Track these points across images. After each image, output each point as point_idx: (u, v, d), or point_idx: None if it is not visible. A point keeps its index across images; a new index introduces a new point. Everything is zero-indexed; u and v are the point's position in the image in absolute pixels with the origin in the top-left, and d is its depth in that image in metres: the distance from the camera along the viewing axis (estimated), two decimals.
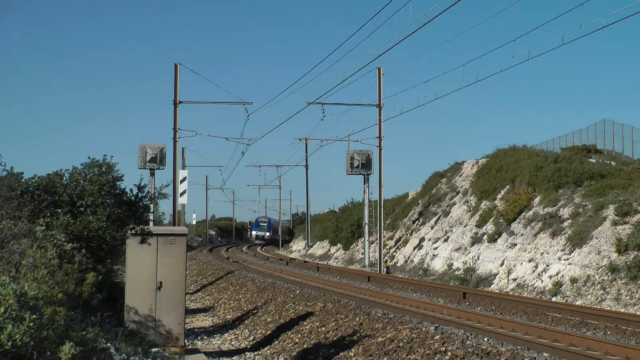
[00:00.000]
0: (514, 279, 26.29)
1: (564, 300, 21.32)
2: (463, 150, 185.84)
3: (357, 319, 14.97)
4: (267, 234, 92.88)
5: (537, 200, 30.56)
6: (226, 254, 52.78)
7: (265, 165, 77.20)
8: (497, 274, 28.06)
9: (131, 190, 12.19)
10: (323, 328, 15.23)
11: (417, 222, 43.48)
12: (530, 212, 29.91)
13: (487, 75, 53.13)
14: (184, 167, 44.70)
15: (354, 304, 16.80)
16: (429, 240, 38.50)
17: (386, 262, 38.49)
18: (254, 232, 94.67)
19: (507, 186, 34.34)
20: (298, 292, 20.52)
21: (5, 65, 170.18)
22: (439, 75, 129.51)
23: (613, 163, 34.84)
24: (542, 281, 24.28)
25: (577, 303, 20.50)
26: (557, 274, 23.86)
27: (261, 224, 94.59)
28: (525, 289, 24.71)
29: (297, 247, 74.31)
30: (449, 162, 57.27)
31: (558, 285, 22.80)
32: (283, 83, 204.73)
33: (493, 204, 34.29)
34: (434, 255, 36.26)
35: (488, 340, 11.80)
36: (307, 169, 68.02)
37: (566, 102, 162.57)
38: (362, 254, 43.10)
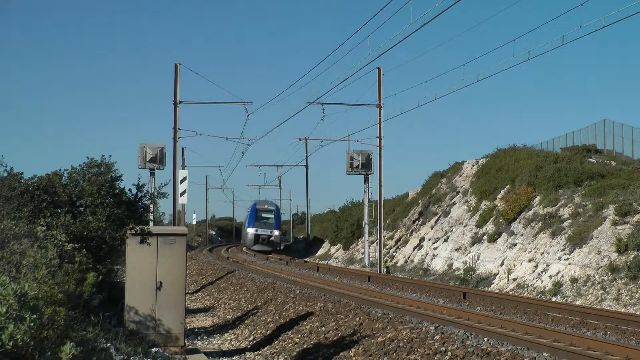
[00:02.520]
0: (514, 279, 26.29)
1: (564, 300, 21.31)
2: (463, 150, 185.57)
3: (357, 319, 14.97)
4: (276, 233, 56.74)
5: (537, 200, 30.56)
6: (226, 254, 52.76)
7: (265, 165, 76.94)
8: (497, 274, 28.06)
9: (130, 190, 12.21)
10: (323, 328, 15.23)
11: (417, 222, 43.48)
12: (530, 212, 29.91)
13: (487, 75, 53.08)
14: (184, 167, 44.72)
15: (354, 304, 16.80)
16: (429, 240, 38.50)
17: (386, 262, 38.49)
18: (250, 230, 56.79)
19: (507, 186, 34.35)
20: (298, 292, 20.52)
21: (5, 65, 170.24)
22: (439, 75, 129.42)
23: (613, 163, 34.85)
24: (542, 281, 24.29)
25: (577, 303, 20.49)
26: (557, 274, 23.87)
27: (264, 215, 57.53)
28: (525, 289, 24.71)
29: (297, 247, 74.27)
30: (449, 162, 57.31)
31: (558, 285, 22.80)
32: (283, 83, 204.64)
33: (493, 204, 34.30)
34: (434, 255, 36.26)
35: (488, 340, 11.80)
36: (307, 169, 68.03)
37: (566, 102, 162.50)
38: (362, 254, 43.09)
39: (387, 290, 23.16)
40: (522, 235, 29.08)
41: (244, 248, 66.74)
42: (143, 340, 11.39)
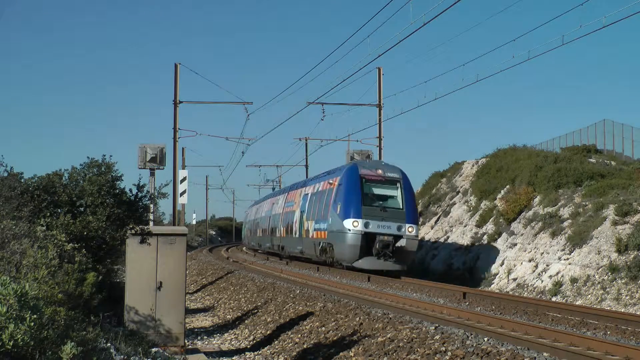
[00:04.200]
0: (514, 279, 26.30)
1: (564, 300, 21.32)
2: (463, 150, 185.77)
3: (357, 318, 14.97)
4: (411, 231, 27.34)
5: (537, 200, 30.57)
6: (226, 254, 52.74)
7: (265, 165, 76.69)
8: (497, 274, 28.07)
9: (130, 190, 12.21)
10: (323, 328, 15.23)
11: None
12: (530, 212, 29.91)
13: (487, 75, 53.22)
14: (184, 167, 44.73)
15: (354, 304, 16.79)
16: (429, 240, 38.52)
17: None
18: (351, 224, 27.15)
19: (507, 186, 34.36)
20: (298, 292, 20.51)
21: (5, 65, 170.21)
22: (439, 75, 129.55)
23: (613, 163, 34.86)
24: (542, 281, 24.29)
25: (577, 303, 20.50)
26: (557, 273, 23.87)
27: (382, 190, 28.19)
28: (525, 289, 24.72)
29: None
30: (449, 162, 57.26)
31: (558, 285, 22.81)
32: (283, 83, 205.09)
33: (493, 204, 34.30)
34: (434, 255, 36.27)
35: (488, 340, 11.79)
36: (307, 168, 67.83)
37: (566, 102, 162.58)
38: None
39: (387, 290, 23.14)
40: (522, 235, 29.09)
41: (244, 248, 64.43)
42: (143, 340, 11.38)
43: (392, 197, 28.01)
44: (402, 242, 27.16)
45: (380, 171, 28.51)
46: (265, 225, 46.59)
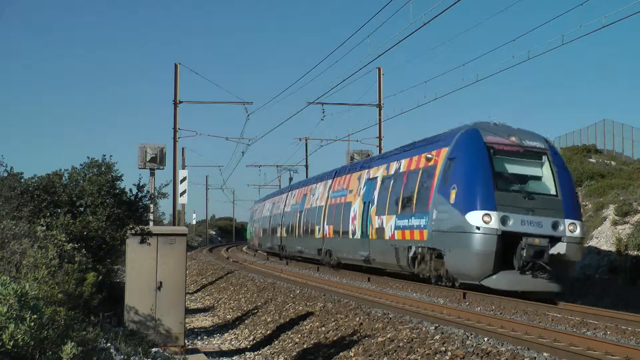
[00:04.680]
0: None
1: (564, 300, 21.32)
2: None
3: (357, 318, 14.97)
4: (572, 228, 17.89)
5: None
6: (226, 254, 52.76)
7: (265, 165, 76.61)
8: None
9: (131, 190, 12.21)
10: (323, 328, 15.23)
11: None
12: None
13: (487, 75, 53.08)
14: (184, 167, 44.73)
15: (354, 304, 16.79)
16: None
17: None
18: (478, 220, 17.61)
19: None
20: (298, 292, 20.51)
21: (5, 65, 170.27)
22: (439, 75, 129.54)
23: (613, 163, 34.90)
24: None
25: (577, 303, 20.50)
26: None
27: (522, 165, 18.82)
28: None
29: None
30: None
31: None
32: (283, 83, 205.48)
33: None
34: None
35: (488, 340, 11.79)
36: (307, 168, 67.88)
37: (566, 102, 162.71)
38: None
39: (387, 290, 23.14)
40: None
41: (244, 248, 65.51)
42: (143, 340, 11.38)
43: (537, 177, 18.81)
44: (559, 248, 17.94)
45: (514, 138, 19.16)
46: (293, 223, 37.38)
